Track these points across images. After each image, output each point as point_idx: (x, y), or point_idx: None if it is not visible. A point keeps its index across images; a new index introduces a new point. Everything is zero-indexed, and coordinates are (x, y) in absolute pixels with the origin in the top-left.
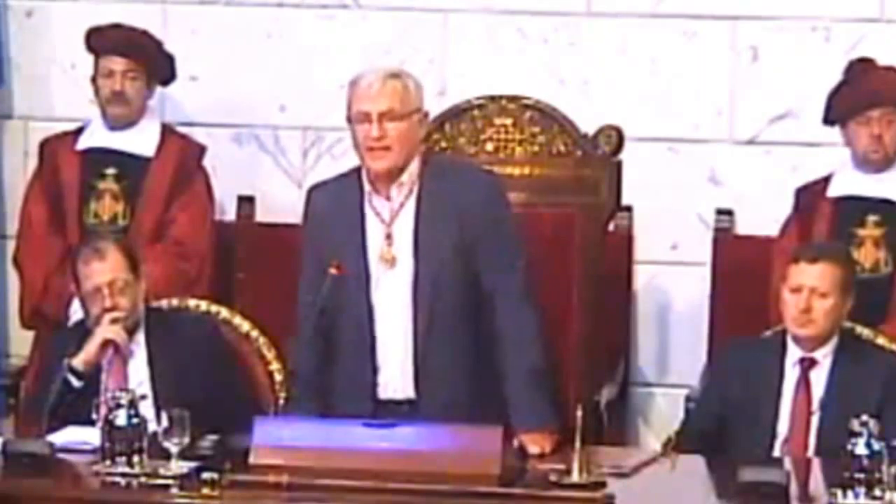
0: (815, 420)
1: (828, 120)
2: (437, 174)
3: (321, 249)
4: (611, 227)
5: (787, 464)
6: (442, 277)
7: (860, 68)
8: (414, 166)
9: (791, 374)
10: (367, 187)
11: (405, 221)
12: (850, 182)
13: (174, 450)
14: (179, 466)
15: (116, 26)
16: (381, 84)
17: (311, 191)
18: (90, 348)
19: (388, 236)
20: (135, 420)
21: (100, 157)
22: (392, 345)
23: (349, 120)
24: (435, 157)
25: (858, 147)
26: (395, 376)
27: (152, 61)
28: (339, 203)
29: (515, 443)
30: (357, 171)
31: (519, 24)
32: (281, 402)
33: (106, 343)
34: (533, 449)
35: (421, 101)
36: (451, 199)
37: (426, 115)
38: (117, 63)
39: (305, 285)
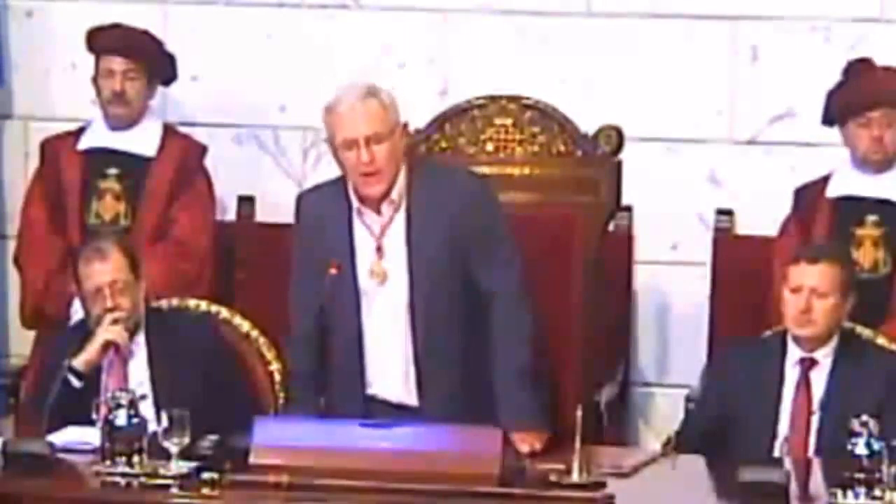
0: (815, 420)
1: (826, 120)
2: (425, 182)
3: (313, 255)
4: (611, 227)
5: (787, 464)
6: (437, 288)
7: (859, 69)
8: (401, 179)
9: (791, 374)
10: (355, 203)
11: (396, 234)
12: (849, 182)
13: (174, 450)
14: (179, 466)
15: (117, 26)
16: (363, 107)
17: (301, 197)
18: (91, 349)
19: (379, 249)
20: (135, 420)
21: (101, 157)
22: (386, 359)
23: (332, 145)
24: (420, 163)
25: (859, 148)
26: (393, 389)
27: (153, 61)
28: (328, 212)
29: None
30: (342, 182)
31: (519, 24)
32: (281, 402)
33: (107, 344)
34: (523, 447)
35: (398, 113)
36: (440, 206)
37: (405, 125)
38: (118, 63)
39: (297, 289)
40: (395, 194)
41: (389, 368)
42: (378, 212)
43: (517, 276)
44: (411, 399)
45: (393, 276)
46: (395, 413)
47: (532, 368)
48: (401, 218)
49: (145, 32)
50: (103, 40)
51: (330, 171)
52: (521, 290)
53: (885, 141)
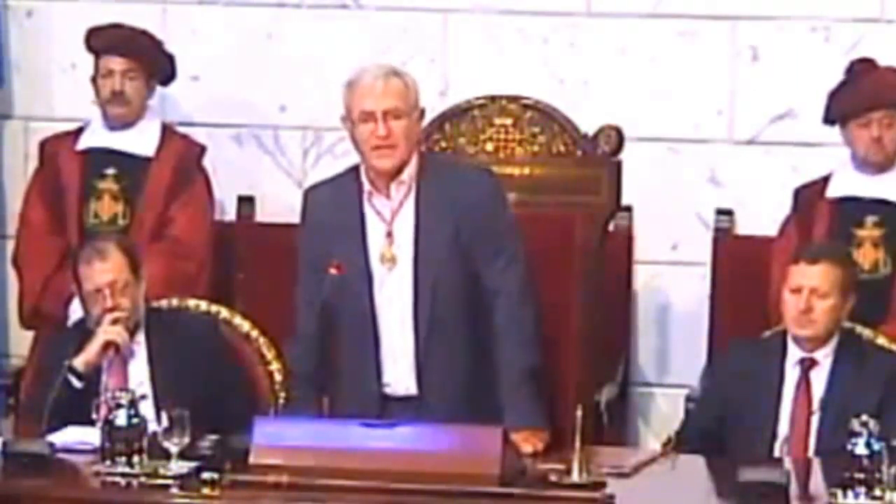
0: (815, 420)
1: (828, 120)
2: (435, 173)
3: (318, 251)
4: (611, 227)
5: (787, 464)
6: (441, 276)
7: (861, 69)
8: (412, 165)
9: (791, 374)
10: (366, 186)
11: (405, 220)
12: (849, 183)
13: (174, 450)
14: (179, 466)
15: (116, 26)
16: (385, 83)
17: (308, 192)
18: (91, 349)
19: (389, 234)
20: (135, 420)
21: (100, 158)
22: (396, 343)
23: (348, 120)
24: (431, 156)
25: (858, 149)
26: (400, 373)
27: (152, 61)
28: (337, 204)
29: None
30: (355, 170)
31: (519, 24)
32: (281, 402)
33: (107, 344)
34: (526, 448)
35: (419, 98)
36: (449, 198)
37: (423, 112)
38: (117, 63)
39: (302, 287)
40: (405, 176)
41: (398, 351)
42: (388, 195)
43: (521, 274)
44: (412, 386)
45: (402, 261)
46: (399, 405)
47: (534, 368)
48: (410, 204)
49: (144, 32)
50: (102, 40)
51: (330, 171)
52: (525, 289)
53: (884, 142)
